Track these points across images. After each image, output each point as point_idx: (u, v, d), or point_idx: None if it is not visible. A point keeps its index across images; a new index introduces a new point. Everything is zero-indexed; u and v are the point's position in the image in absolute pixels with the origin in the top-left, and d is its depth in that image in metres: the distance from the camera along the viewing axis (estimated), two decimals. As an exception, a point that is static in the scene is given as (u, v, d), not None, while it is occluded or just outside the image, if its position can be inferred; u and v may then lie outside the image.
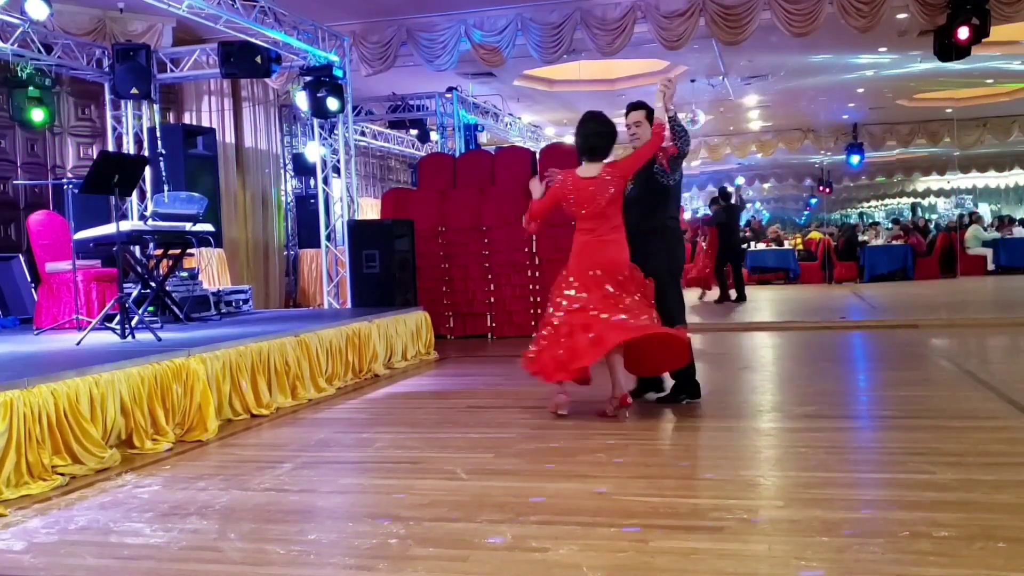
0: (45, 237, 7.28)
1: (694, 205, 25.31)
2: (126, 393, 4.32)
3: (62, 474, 3.82)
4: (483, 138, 14.95)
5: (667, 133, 4.79)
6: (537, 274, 9.47)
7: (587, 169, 4.84)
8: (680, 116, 5.09)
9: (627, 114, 5.21)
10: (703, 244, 13.29)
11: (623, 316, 4.62)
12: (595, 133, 4.87)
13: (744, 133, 20.46)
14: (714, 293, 13.09)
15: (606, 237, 4.78)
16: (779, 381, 6.14)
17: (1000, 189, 25.49)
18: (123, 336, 5.66)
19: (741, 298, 12.89)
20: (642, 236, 4.99)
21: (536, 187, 5.09)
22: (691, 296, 13.49)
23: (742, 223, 20.15)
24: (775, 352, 7.75)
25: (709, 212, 13.74)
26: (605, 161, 4.90)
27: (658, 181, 5.01)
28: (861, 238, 18.06)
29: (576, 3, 9.97)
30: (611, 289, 4.70)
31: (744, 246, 19.12)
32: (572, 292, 4.77)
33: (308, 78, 9.18)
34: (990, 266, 17.28)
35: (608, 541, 2.79)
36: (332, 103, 9.08)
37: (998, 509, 2.97)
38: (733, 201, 13.59)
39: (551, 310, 4.84)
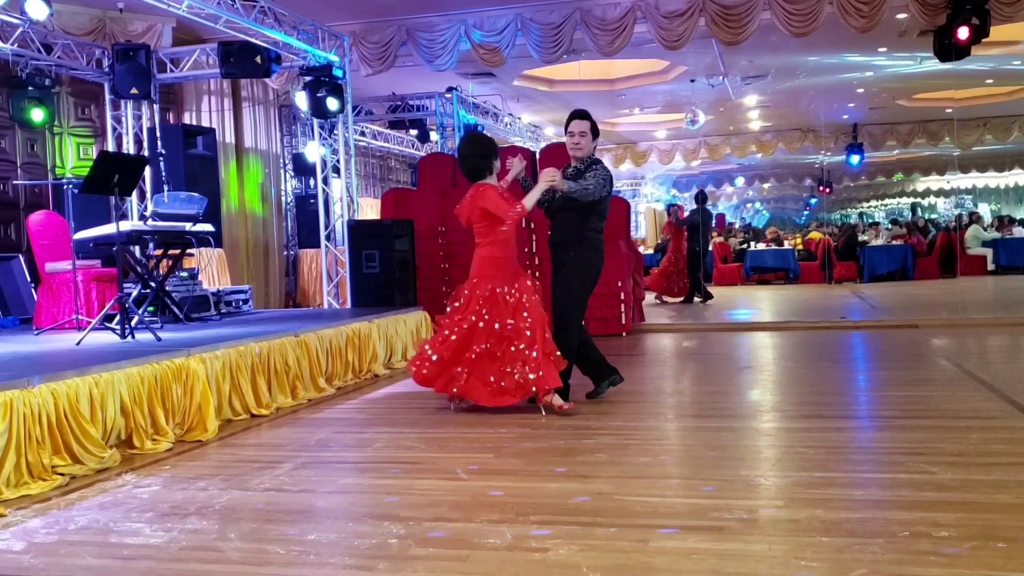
0: (45, 237, 7.28)
1: (695, 205, 25.33)
2: (126, 393, 4.32)
3: (62, 474, 3.82)
4: (483, 138, 14.92)
5: (508, 222, 4.93)
6: (537, 274, 9.45)
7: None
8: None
9: (569, 122, 5.20)
10: (678, 245, 13.24)
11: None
12: (462, 158, 5.11)
13: (744, 133, 20.47)
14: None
15: (476, 252, 5.10)
16: (779, 381, 6.13)
17: (1000, 189, 25.51)
18: (123, 336, 5.66)
19: (688, 300, 12.95)
20: (562, 245, 5.16)
21: (517, 165, 5.19)
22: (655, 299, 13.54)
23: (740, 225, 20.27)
24: (775, 352, 7.75)
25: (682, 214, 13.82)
26: (484, 181, 5.02)
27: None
28: (861, 238, 18.07)
29: (576, 3, 9.96)
30: (456, 305, 5.07)
31: (745, 246, 19.19)
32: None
33: (308, 78, 9.18)
34: (990, 266, 17.28)
35: (608, 541, 2.79)
36: (332, 103, 9.08)
37: (998, 509, 2.97)
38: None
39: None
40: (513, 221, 4.96)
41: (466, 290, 5.06)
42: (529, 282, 5.08)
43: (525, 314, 4.92)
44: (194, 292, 7.69)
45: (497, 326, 4.91)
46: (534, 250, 9.47)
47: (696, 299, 13.04)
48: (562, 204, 5.08)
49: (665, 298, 13.38)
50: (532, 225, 9.44)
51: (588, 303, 5.34)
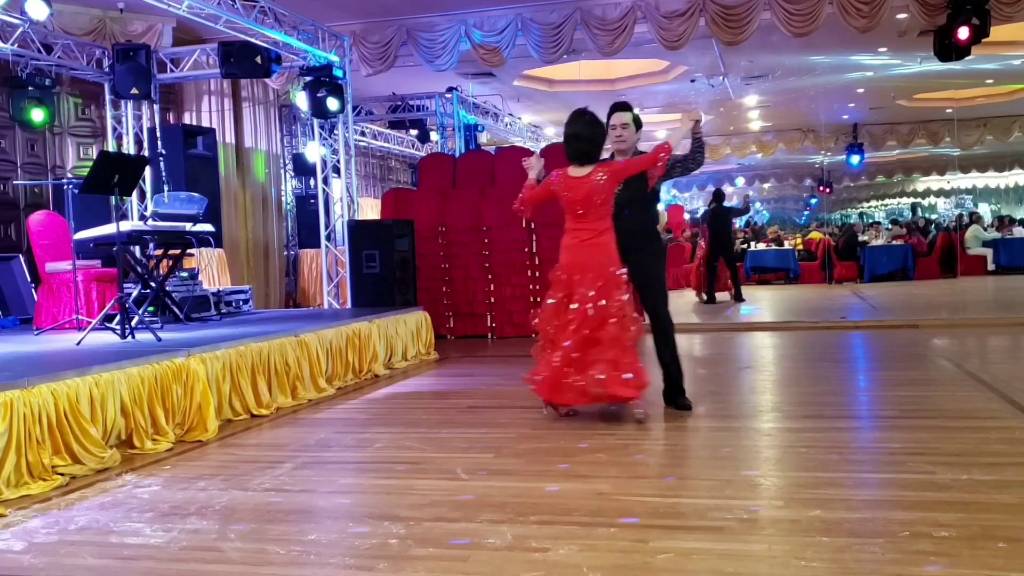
0: (45, 237, 7.29)
1: (694, 205, 25.34)
2: (126, 393, 4.32)
3: (62, 474, 3.82)
4: (483, 138, 14.96)
5: (660, 163, 4.65)
6: (537, 274, 9.47)
7: (576, 170, 4.67)
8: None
9: (611, 114, 5.00)
10: (702, 243, 13.39)
11: (601, 364, 4.50)
12: (580, 138, 4.65)
13: (744, 133, 20.47)
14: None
15: (594, 239, 4.64)
16: (779, 381, 6.13)
17: (1000, 189, 25.51)
18: (123, 336, 5.66)
19: (737, 297, 12.95)
20: (642, 236, 4.91)
21: (535, 164, 4.93)
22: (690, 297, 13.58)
23: (741, 225, 20.25)
24: (775, 352, 7.75)
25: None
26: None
27: (654, 184, 4.90)
28: (861, 238, 18.08)
29: (576, 3, 9.97)
30: (591, 295, 4.55)
31: (745, 246, 19.18)
32: (556, 298, 4.68)
33: (308, 78, 9.18)
34: (990, 266, 17.28)
35: (608, 541, 2.79)
36: (332, 103, 9.08)
37: (998, 509, 2.97)
38: (735, 204, 13.78)
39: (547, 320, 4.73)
40: (667, 157, 4.65)
41: (601, 281, 4.60)
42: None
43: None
44: (194, 292, 7.69)
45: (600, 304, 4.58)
46: (534, 250, 9.47)
47: (701, 297, 13.04)
48: (633, 195, 4.83)
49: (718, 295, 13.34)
50: (532, 225, 9.44)
51: None
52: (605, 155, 4.95)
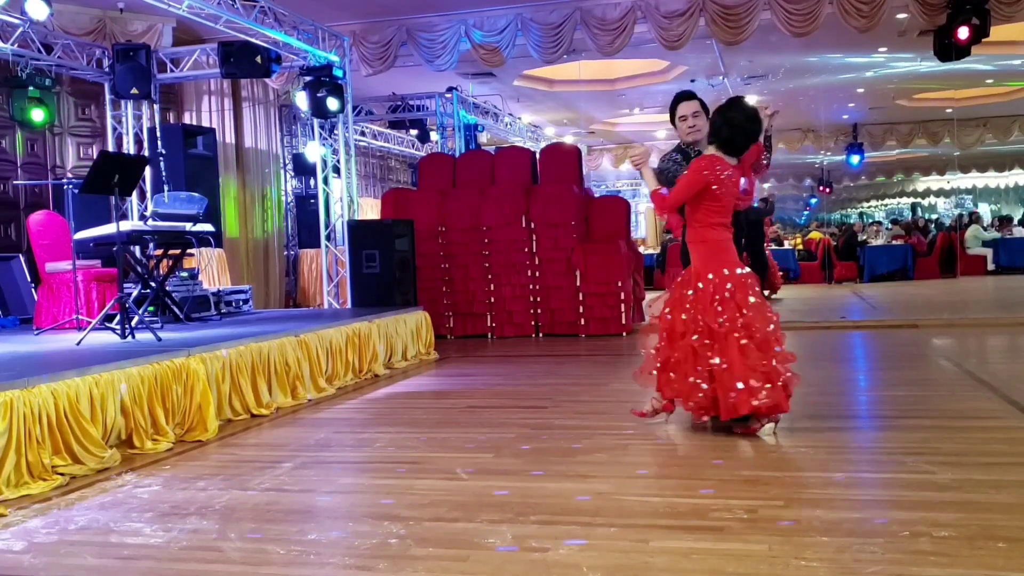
0: (45, 237, 7.29)
1: None
2: (126, 393, 4.31)
3: (62, 474, 3.82)
4: (483, 138, 14.97)
5: (765, 158, 4.42)
6: (537, 274, 9.47)
7: (730, 159, 4.27)
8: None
9: (678, 104, 4.63)
10: None
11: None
12: (744, 130, 4.23)
13: (744, 133, 20.43)
14: None
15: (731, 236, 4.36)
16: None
17: (1000, 189, 25.51)
18: (123, 336, 5.66)
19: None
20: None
21: (649, 171, 4.41)
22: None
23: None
24: (775, 352, 7.73)
25: None
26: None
27: None
28: (861, 238, 18.08)
29: (576, 3, 9.97)
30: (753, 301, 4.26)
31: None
32: (728, 302, 4.24)
33: (308, 78, 9.18)
34: (990, 266, 17.29)
35: (608, 541, 2.79)
36: (332, 103, 9.08)
37: (998, 509, 2.97)
38: (756, 205, 13.94)
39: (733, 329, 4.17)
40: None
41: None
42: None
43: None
44: (194, 292, 7.69)
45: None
46: (534, 250, 9.46)
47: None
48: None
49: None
50: (532, 225, 9.44)
51: None
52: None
